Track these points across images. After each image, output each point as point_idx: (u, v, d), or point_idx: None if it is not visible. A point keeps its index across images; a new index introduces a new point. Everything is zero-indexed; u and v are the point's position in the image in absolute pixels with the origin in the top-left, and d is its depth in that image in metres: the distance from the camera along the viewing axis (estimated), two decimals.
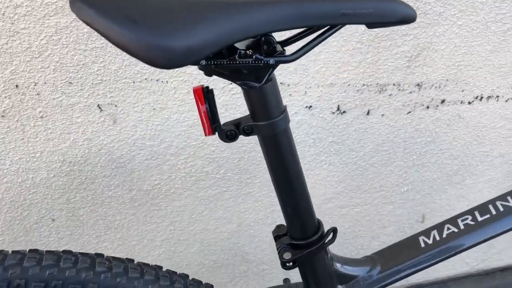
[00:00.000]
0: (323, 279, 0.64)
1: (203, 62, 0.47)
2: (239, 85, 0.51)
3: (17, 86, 0.86)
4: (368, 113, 1.10)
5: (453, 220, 0.66)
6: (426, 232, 0.66)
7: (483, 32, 1.05)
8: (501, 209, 0.64)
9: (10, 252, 0.60)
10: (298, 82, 1.00)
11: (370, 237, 1.35)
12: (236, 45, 0.48)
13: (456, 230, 0.65)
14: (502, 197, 0.66)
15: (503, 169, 1.32)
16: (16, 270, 0.57)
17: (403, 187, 1.27)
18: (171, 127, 0.99)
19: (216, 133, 0.53)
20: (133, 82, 0.91)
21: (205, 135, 0.53)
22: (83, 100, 0.91)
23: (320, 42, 0.50)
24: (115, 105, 0.93)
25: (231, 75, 0.50)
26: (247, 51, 0.48)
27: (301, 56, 0.50)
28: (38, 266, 0.57)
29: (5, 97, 0.86)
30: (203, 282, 0.68)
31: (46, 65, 0.85)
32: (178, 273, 0.66)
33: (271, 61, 0.48)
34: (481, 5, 1.01)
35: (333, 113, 1.07)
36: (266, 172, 1.11)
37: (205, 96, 0.51)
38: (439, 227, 0.66)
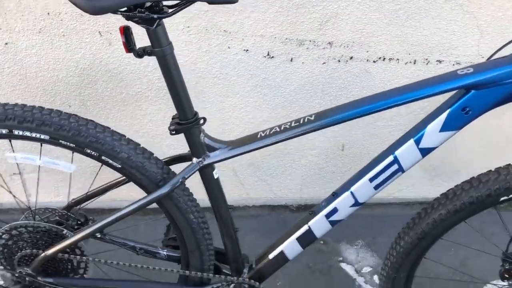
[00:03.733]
0: (198, 146, 1.10)
1: (122, 12, 0.93)
2: (143, 27, 0.97)
3: (48, 13, 1.35)
4: (291, 60, 1.52)
5: (280, 125, 1.09)
6: (264, 130, 1.11)
7: (379, 9, 1.42)
8: (306, 120, 1.07)
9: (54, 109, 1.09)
10: (237, 31, 1.44)
11: (300, 155, 1.79)
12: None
13: (278, 129, 1.08)
14: (310, 115, 1.08)
15: (408, 117, 1.70)
16: (65, 122, 1.05)
17: None
18: None
19: (132, 53, 0.99)
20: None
21: (125, 52, 0.99)
22: (89, 27, 1.39)
23: (184, 8, 0.93)
24: (110, 33, 1.41)
25: (138, 21, 0.95)
26: (143, 9, 0.92)
27: (173, 14, 0.94)
28: (74, 123, 1.06)
29: (41, 20, 1.36)
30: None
31: (67, 2, 1.33)
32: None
33: (155, 16, 0.93)
34: None
35: (265, 57, 1.50)
36: (219, 95, 1.57)
37: (125, 31, 0.97)
38: (271, 128, 1.09)
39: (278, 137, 1.09)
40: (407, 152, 1.09)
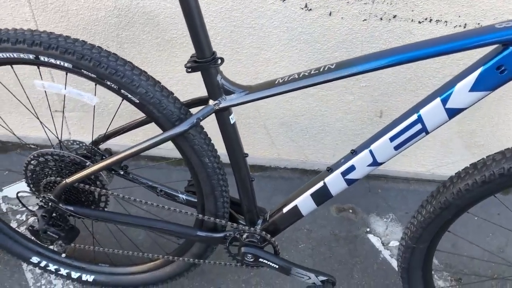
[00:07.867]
0: (214, 87, 1.08)
1: None
2: None
3: None
4: (330, 14, 1.45)
5: (299, 72, 1.04)
6: (282, 77, 1.06)
7: None
8: (326, 68, 1.02)
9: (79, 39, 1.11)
10: None
11: (335, 119, 1.74)
12: None
13: (297, 77, 1.04)
14: (331, 63, 1.03)
15: None
16: (87, 52, 1.07)
17: (361, 83, 1.62)
18: None
19: None
20: None
21: None
22: None
23: None
24: None
25: None
26: None
27: None
28: (96, 54, 1.09)
29: None
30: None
31: None
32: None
33: None
34: None
35: (302, 8, 1.44)
36: (253, 47, 1.54)
37: None
38: (290, 75, 1.05)
39: (296, 85, 1.04)
40: (432, 111, 1.01)
